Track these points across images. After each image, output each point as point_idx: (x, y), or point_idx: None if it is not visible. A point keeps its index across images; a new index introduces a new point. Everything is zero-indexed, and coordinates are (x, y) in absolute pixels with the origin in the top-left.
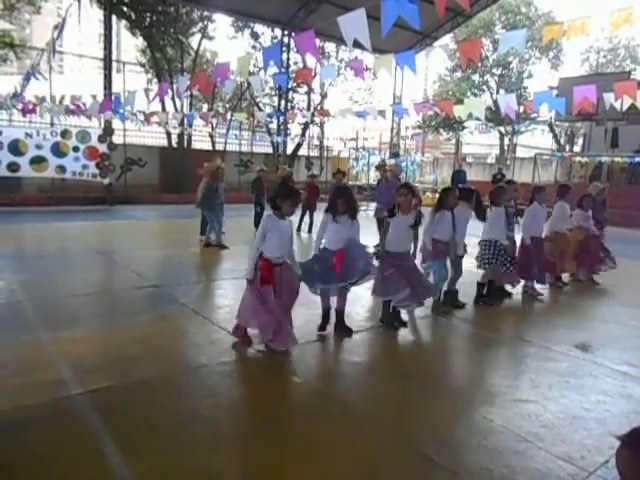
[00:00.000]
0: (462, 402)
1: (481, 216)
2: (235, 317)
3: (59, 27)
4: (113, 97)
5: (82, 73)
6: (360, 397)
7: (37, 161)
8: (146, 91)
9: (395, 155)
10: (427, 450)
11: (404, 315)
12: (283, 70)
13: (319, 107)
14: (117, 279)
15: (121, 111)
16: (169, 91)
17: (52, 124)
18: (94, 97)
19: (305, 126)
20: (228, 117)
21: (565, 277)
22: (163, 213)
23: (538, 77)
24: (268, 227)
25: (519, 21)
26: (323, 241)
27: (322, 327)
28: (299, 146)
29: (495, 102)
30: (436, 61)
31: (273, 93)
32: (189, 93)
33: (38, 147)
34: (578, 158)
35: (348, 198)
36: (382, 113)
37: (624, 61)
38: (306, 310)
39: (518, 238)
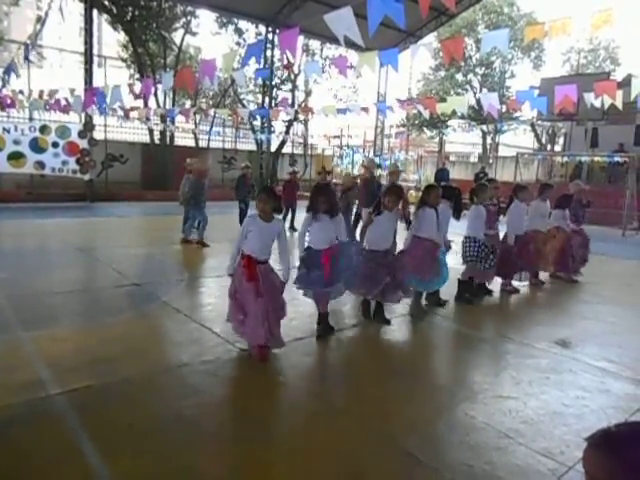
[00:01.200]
0: (444, 399)
1: (457, 214)
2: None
3: (41, 21)
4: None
5: (62, 67)
6: (343, 395)
7: (15, 157)
8: (130, 86)
9: (378, 154)
10: (410, 447)
11: (388, 314)
12: (267, 66)
13: (303, 104)
14: (98, 277)
15: (103, 106)
16: (152, 87)
17: (31, 119)
18: (72, 91)
19: (289, 123)
20: (211, 113)
21: (544, 275)
22: (145, 210)
23: (520, 77)
24: (248, 227)
25: (502, 21)
26: (306, 240)
27: (321, 332)
28: (283, 143)
29: (478, 101)
30: (420, 60)
31: (257, 90)
32: (172, 89)
33: (16, 142)
34: (559, 158)
35: (329, 196)
36: (365, 110)
37: (604, 62)
38: (290, 308)
39: (500, 235)
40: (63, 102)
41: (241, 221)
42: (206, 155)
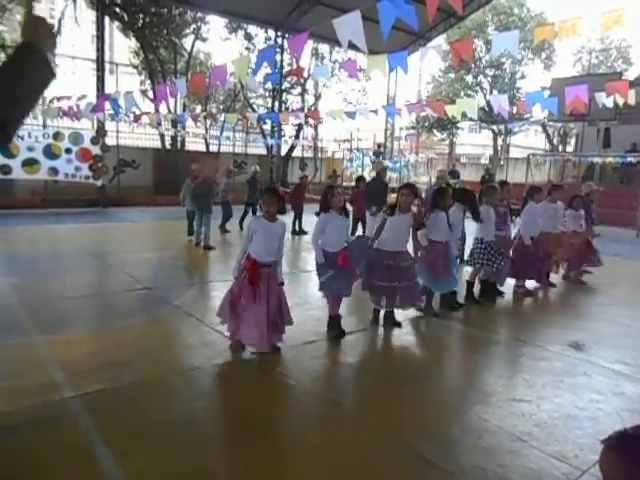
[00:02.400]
0: (457, 402)
1: (476, 217)
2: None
3: (56, 30)
4: (107, 97)
5: (75, 75)
6: (355, 398)
7: (29, 163)
8: (144, 92)
9: (377, 154)
10: (423, 450)
11: (398, 316)
12: (276, 71)
13: (312, 108)
14: (110, 281)
15: (118, 112)
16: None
17: (45, 126)
18: (80, 98)
19: (299, 127)
20: (221, 118)
21: (554, 277)
22: (157, 215)
23: (531, 78)
24: (254, 229)
25: (511, 22)
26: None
27: (338, 335)
28: (293, 147)
29: (488, 103)
30: (429, 62)
31: (267, 94)
32: (181, 94)
33: (30, 149)
34: (571, 158)
35: (337, 194)
36: (374, 112)
37: (616, 61)
38: (300, 311)
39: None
40: (75, 109)
41: (241, 223)
42: (210, 159)
